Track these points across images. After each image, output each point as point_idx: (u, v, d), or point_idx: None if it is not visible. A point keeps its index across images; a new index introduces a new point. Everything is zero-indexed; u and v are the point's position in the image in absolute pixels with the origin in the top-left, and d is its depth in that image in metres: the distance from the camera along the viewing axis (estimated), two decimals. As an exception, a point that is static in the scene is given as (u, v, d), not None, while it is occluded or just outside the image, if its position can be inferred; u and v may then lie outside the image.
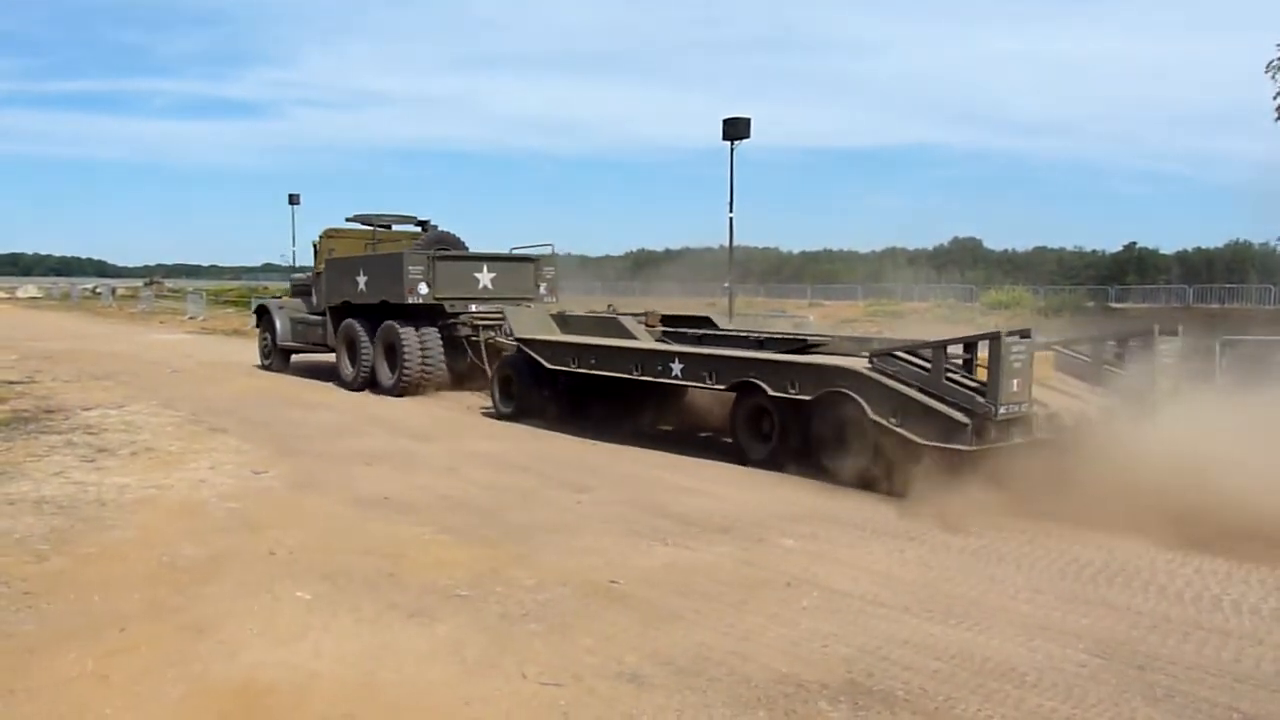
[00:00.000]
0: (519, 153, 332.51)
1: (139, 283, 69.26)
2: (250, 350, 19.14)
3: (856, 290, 50.28)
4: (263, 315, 18.43)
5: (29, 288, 66.98)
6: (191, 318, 36.92)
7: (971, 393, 7.38)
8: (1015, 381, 7.20)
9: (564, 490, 7.91)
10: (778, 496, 7.77)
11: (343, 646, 4.44)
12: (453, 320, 14.18)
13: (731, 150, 20.71)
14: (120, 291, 57.46)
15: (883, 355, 8.04)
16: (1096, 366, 8.52)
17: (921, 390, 7.56)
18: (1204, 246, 63.41)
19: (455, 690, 4.01)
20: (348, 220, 16.81)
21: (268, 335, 17.96)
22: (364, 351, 14.58)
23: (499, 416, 11.96)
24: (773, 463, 8.72)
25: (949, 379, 7.55)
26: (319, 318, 16.34)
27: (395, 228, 17.08)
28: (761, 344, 10.48)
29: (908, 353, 7.94)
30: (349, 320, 15.05)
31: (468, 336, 13.95)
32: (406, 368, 13.79)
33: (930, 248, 65.65)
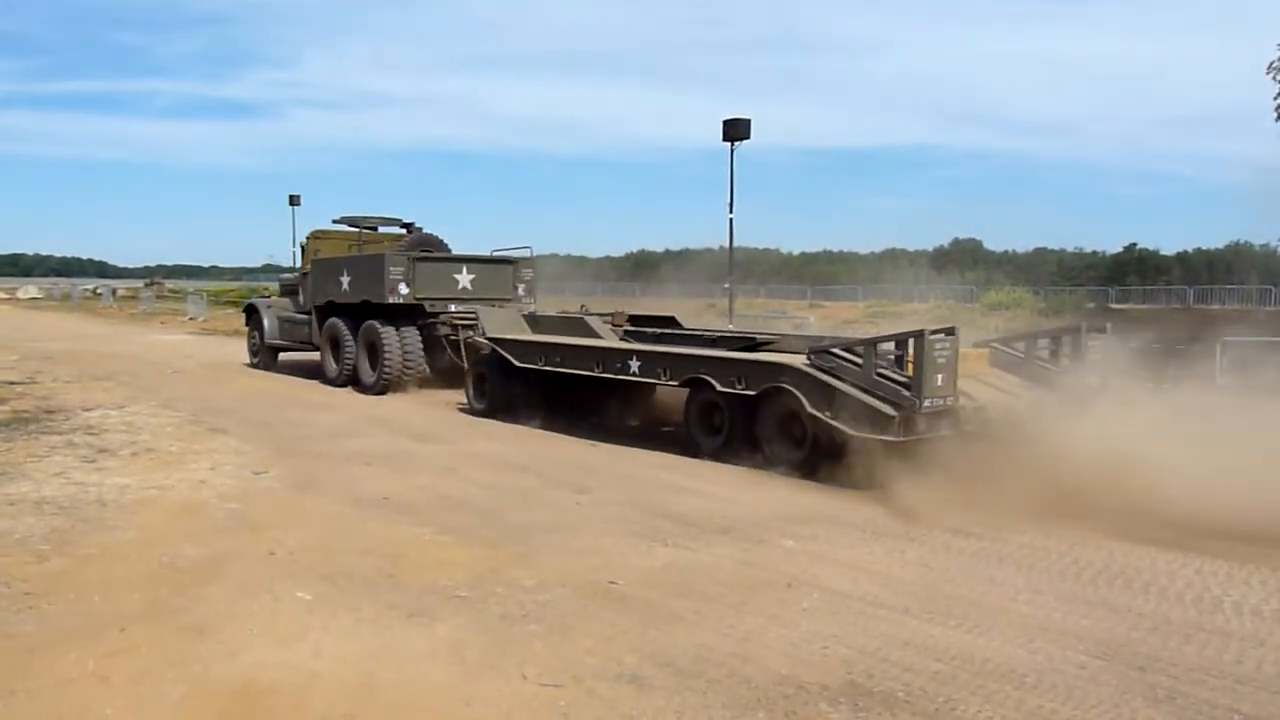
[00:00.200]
0: (519, 153, 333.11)
1: (139, 283, 69.28)
2: (250, 351, 19.21)
3: (857, 291, 50.29)
4: (252, 314, 18.81)
5: (30, 288, 66.99)
6: (192, 318, 36.95)
7: (899, 387, 7.80)
8: (940, 376, 7.65)
9: (564, 491, 7.91)
10: (777, 497, 7.77)
11: (343, 647, 4.44)
12: (432, 320, 14.51)
13: (732, 151, 20.75)
14: (121, 292, 57.48)
15: (820, 352, 8.49)
16: (1030, 362, 8.99)
17: (853, 385, 7.99)
18: (1205, 247, 63.44)
19: (455, 691, 4.01)
20: (334, 222, 17.27)
21: (256, 334, 18.33)
22: (347, 349, 15.01)
23: (473, 412, 12.39)
24: (723, 454, 9.16)
25: (879, 374, 7.98)
26: (306, 317, 16.71)
27: (381, 229, 17.45)
28: (714, 343, 11.06)
29: (844, 350, 8.39)
30: (333, 319, 15.52)
31: (447, 336, 14.19)
32: (387, 366, 14.16)
33: (930, 249, 65.59)
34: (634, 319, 12.62)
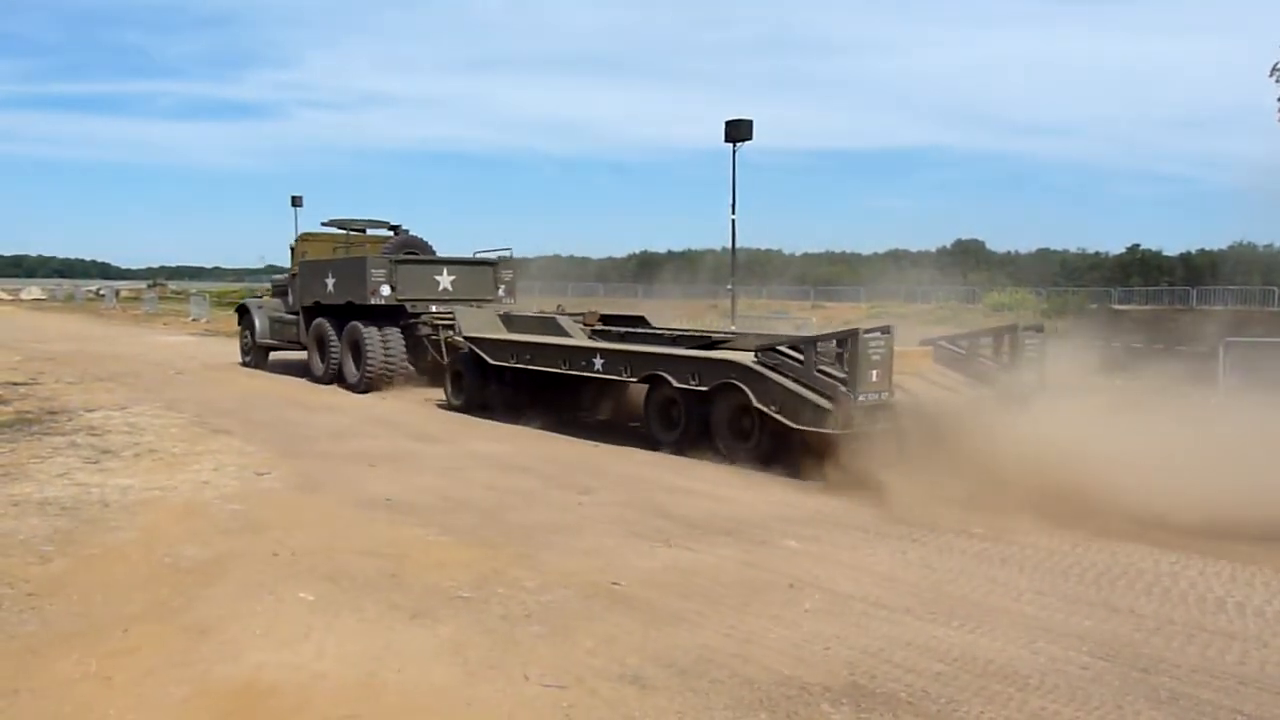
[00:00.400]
0: (521, 154, 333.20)
1: (142, 284, 69.45)
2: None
3: (860, 292, 50.23)
4: (244, 314, 19.20)
5: (33, 290, 67.15)
6: (195, 319, 37.01)
7: (837, 382, 8.19)
8: (874, 373, 8.09)
9: (566, 491, 7.91)
10: (779, 498, 7.77)
11: (345, 647, 4.45)
12: (414, 320, 14.96)
13: (734, 152, 20.75)
14: (124, 293, 57.63)
15: (766, 350, 8.99)
16: (972, 360, 9.41)
17: (795, 380, 8.46)
18: (1208, 248, 63.28)
19: (458, 691, 4.01)
20: (323, 224, 17.86)
21: (248, 333, 18.78)
22: (333, 348, 15.51)
23: (450, 408, 12.86)
24: (680, 448, 9.57)
25: (820, 370, 8.38)
26: (294, 317, 17.18)
27: (369, 232, 17.92)
28: (674, 341, 11.63)
29: (788, 348, 8.85)
30: (319, 319, 16.02)
31: (428, 335, 14.69)
32: (369, 364, 14.61)
33: (933, 249, 65.47)
34: (606, 318, 13.10)
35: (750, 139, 20.55)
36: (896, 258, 57.79)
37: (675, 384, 9.55)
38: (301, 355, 17.17)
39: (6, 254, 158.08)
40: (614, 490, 7.99)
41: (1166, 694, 4.06)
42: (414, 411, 12.93)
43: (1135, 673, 4.27)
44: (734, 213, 21.40)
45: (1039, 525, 6.68)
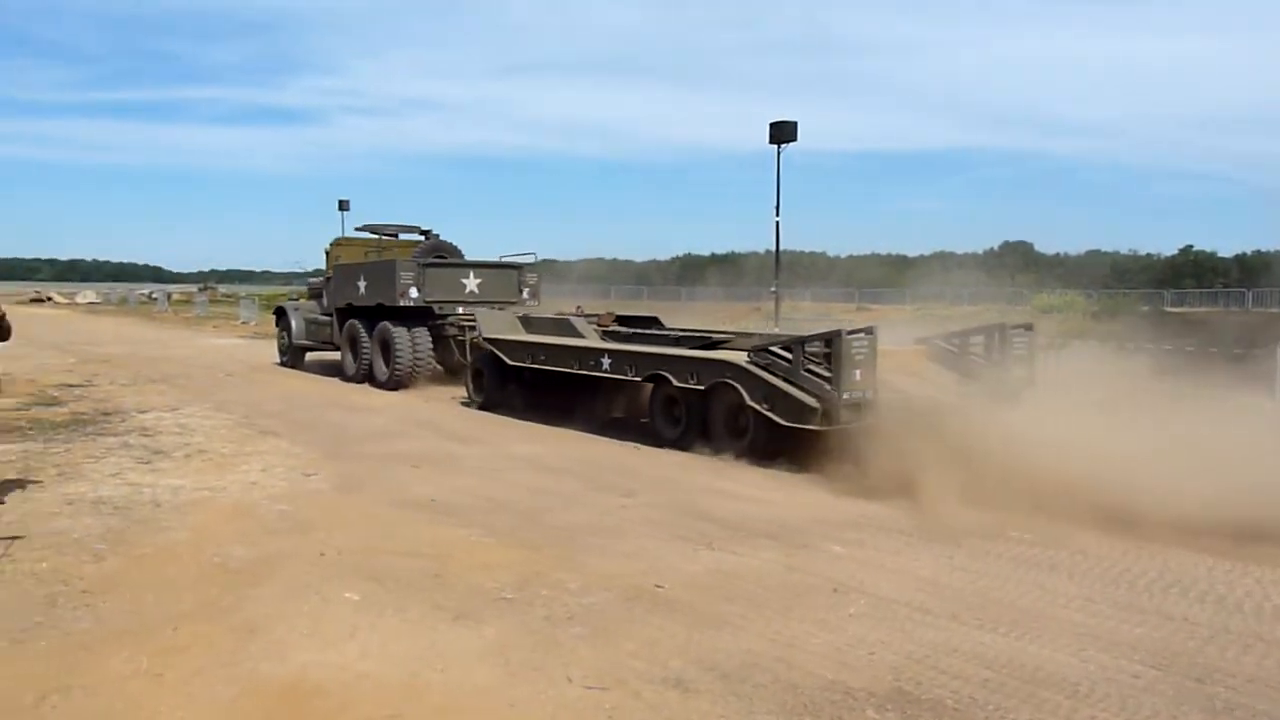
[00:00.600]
0: (563, 157, 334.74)
1: (193, 288, 70.68)
2: (301, 355, 19.63)
3: (905, 294, 49.70)
4: (281, 316, 19.92)
5: (87, 293, 68.64)
6: (244, 322, 37.60)
7: (823, 381, 8.54)
8: (858, 372, 8.45)
9: (606, 493, 7.91)
10: (822, 502, 7.71)
11: (389, 648, 4.48)
12: (441, 321, 15.67)
13: (778, 153, 20.71)
14: (175, 297, 58.67)
15: (758, 350, 9.37)
16: (964, 357, 9.63)
17: (784, 379, 8.84)
18: (1263, 249, 61.77)
19: (500, 693, 4.03)
20: (356, 230, 18.60)
21: (285, 334, 19.46)
22: (364, 348, 16.12)
23: (471, 405, 13.39)
24: (682, 443, 9.95)
25: (808, 370, 8.74)
26: (328, 318, 17.76)
27: (402, 236, 18.42)
28: (678, 341, 11.94)
29: (779, 348, 9.16)
30: (351, 320, 16.61)
31: (454, 336, 15.30)
32: (399, 363, 15.23)
33: (980, 251, 64.57)
34: (621, 319, 13.48)
35: (795, 140, 20.53)
36: (943, 259, 57.14)
37: (676, 383, 9.95)
38: (335, 355, 17.65)
39: (63, 259, 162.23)
40: (654, 492, 7.97)
41: (1222, 704, 3.96)
42: (448, 412, 13.12)
43: (1190, 682, 4.17)
44: (778, 214, 21.34)
45: (1087, 531, 6.56)
